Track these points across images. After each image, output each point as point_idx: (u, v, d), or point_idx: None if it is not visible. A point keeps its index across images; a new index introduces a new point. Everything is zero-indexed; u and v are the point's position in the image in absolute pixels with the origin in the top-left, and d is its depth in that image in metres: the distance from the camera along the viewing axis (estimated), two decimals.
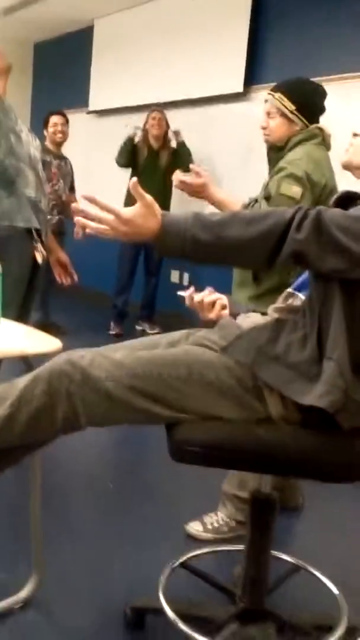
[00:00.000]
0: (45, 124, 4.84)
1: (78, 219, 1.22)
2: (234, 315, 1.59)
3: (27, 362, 1.56)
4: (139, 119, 5.29)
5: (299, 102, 2.13)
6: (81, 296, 6.43)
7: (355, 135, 1.60)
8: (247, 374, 1.28)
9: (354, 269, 1.18)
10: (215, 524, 2.11)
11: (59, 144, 4.85)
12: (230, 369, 1.29)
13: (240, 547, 1.54)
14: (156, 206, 1.21)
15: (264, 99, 2.23)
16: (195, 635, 1.48)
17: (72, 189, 5.05)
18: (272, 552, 1.54)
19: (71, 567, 1.90)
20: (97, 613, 1.70)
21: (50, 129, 4.80)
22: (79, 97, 6.61)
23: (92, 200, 1.21)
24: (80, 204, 1.26)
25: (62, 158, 4.90)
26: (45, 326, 4.95)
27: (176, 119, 5.00)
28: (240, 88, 4.90)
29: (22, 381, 1.29)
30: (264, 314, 1.60)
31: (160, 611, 1.57)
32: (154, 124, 4.89)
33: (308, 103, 2.16)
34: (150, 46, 5.75)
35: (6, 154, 2.35)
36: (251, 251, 1.21)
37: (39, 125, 5.00)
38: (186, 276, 5.62)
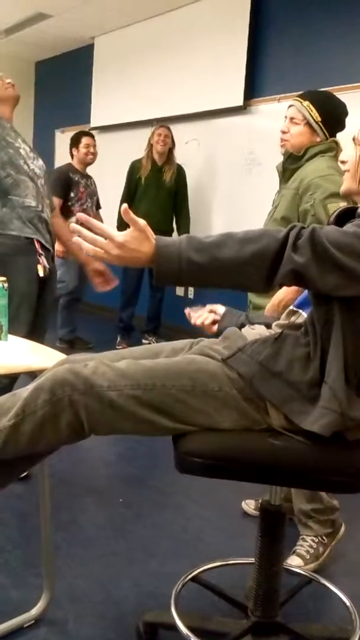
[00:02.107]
0: (75, 144, 4.88)
1: (75, 238, 1.21)
2: (227, 326, 1.59)
3: (33, 378, 1.57)
4: (140, 135, 5.33)
5: (325, 115, 2.16)
6: (87, 310, 6.45)
7: (342, 162, 1.53)
8: (248, 385, 1.29)
9: (350, 286, 1.18)
10: (311, 550, 2.04)
11: (87, 164, 4.91)
12: (233, 380, 1.29)
13: (252, 560, 1.53)
14: (149, 230, 1.21)
15: (286, 105, 2.24)
16: None
17: (98, 206, 5.13)
18: (284, 565, 1.53)
19: (82, 581, 1.90)
20: (109, 628, 1.69)
21: (83, 149, 4.84)
22: (80, 114, 6.68)
23: (86, 222, 1.21)
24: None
25: (88, 177, 4.95)
26: (71, 341, 4.98)
27: (177, 133, 5.03)
28: (240, 102, 4.94)
29: (25, 391, 1.30)
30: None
31: (172, 626, 1.56)
32: (159, 140, 4.91)
33: (332, 117, 2.18)
34: (150, 62, 5.81)
35: (3, 165, 2.39)
36: (247, 271, 1.19)
37: (41, 144, 5.07)
38: (191, 289, 5.63)
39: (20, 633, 1.65)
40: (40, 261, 2.46)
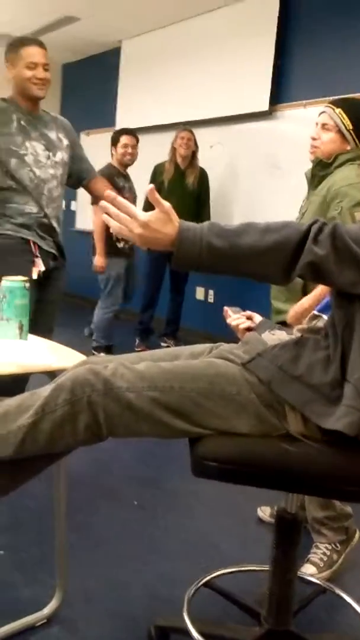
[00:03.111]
0: (114, 143, 4.61)
1: (103, 215, 1.23)
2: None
3: (52, 378, 1.58)
4: (164, 139, 5.34)
5: (357, 122, 2.14)
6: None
7: None
8: (267, 390, 1.28)
9: None
10: (325, 558, 2.03)
11: (126, 165, 4.65)
12: (252, 384, 1.29)
13: (266, 567, 1.52)
14: (174, 213, 1.22)
15: (319, 111, 2.23)
16: None
17: None
18: (298, 573, 1.52)
19: (95, 583, 1.90)
20: (120, 631, 1.69)
21: (120, 149, 4.56)
22: (106, 117, 6.72)
23: (113, 200, 1.23)
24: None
25: (128, 179, 4.72)
26: (108, 348, 4.78)
27: (201, 137, 5.03)
28: (266, 107, 4.93)
29: (45, 390, 1.30)
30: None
31: (184, 631, 1.55)
32: (182, 143, 4.91)
33: None
34: (176, 66, 5.83)
35: (3, 177, 2.46)
36: (266, 260, 1.19)
37: None
38: (211, 293, 5.62)
39: (32, 632, 1.65)
40: (35, 263, 2.49)
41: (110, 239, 4.48)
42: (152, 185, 1.21)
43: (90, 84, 7.23)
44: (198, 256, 1.19)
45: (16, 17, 5.93)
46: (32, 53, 2.47)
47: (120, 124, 6.61)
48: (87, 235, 6.02)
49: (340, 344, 1.25)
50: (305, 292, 2.05)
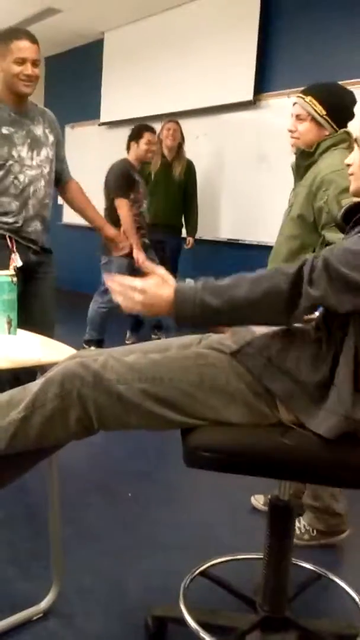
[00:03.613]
0: (136, 138, 4.46)
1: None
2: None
3: (42, 372, 1.57)
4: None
5: (330, 107, 2.12)
6: None
7: (347, 165, 1.50)
8: (256, 379, 1.28)
9: None
10: (297, 531, 2.10)
11: (144, 162, 4.58)
12: (241, 374, 1.29)
13: (260, 555, 1.52)
14: (169, 277, 1.29)
15: (292, 102, 2.22)
16: None
17: None
18: (293, 560, 1.53)
19: (91, 576, 1.90)
20: (117, 622, 1.70)
21: (144, 146, 4.43)
22: (90, 109, 6.68)
23: (112, 279, 1.32)
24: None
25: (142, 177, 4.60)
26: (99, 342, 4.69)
27: (186, 128, 5.02)
28: (250, 96, 4.92)
29: (35, 385, 1.30)
30: None
31: (181, 620, 1.56)
32: (168, 135, 4.90)
33: (338, 108, 2.14)
34: (160, 57, 5.80)
35: None
36: (262, 309, 1.22)
37: None
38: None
39: (29, 625, 1.65)
40: (12, 259, 2.47)
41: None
42: (142, 256, 1.25)
43: (74, 77, 7.19)
44: (194, 315, 1.24)
45: None
46: (22, 48, 2.38)
47: (104, 117, 6.58)
48: (74, 229, 6.00)
49: (333, 346, 1.25)
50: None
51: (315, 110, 2.12)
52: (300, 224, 2.13)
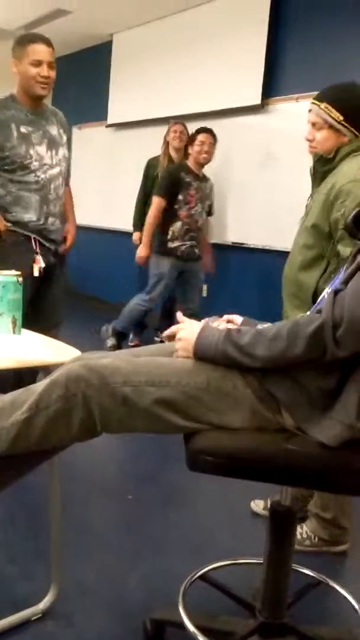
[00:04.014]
0: (191, 141, 4.48)
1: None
2: None
3: (46, 373, 1.57)
4: (156, 133, 5.33)
5: (347, 112, 1.99)
6: (100, 308, 6.47)
7: None
8: (260, 383, 1.28)
9: None
10: (299, 536, 2.10)
11: (201, 165, 4.52)
12: (246, 379, 1.29)
13: (260, 560, 1.52)
14: (194, 323, 1.38)
15: (302, 107, 2.12)
16: None
17: (209, 213, 4.82)
18: (292, 566, 1.53)
19: (90, 577, 1.90)
20: (116, 624, 1.70)
21: (196, 147, 4.41)
22: (98, 110, 6.69)
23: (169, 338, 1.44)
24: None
25: (203, 179, 4.60)
26: (121, 336, 4.78)
27: (194, 131, 5.02)
28: (258, 100, 4.92)
29: (39, 386, 1.30)
30: None
31: (179, 624, 1.56)
32: (175, 136, 4.90)
33: (357, 111, 2.01)
34: (168, 59, 5.81)
35: (4, 184, 2.50)
36: (280, 365, 1.26)
37: None
38: (205, 287, 5.62)
39: (27, 626, 1.65)
40: (36, 260, 2.51)
41: (162, 236, 4.50)
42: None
43: (82, 78, 7.20)
44: (214, 360, 1.29)
45: (7, 10, 5.89)
46: (38, 50, 2.47)
47: (112, 118, 6.59)
48: (80, 229, 6.03)
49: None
50: (315, 300, 1.95)
51: (332, 117, 2.00)
52: (314, 234, 2.03)
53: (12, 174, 2.49)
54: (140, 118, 6.12)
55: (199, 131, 4.47)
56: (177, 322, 1.44)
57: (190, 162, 4.51)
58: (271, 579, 1.49)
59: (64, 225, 2.83)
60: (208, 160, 4.50)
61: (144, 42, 6.11)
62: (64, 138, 2.69)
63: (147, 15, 5.85)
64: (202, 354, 1.30)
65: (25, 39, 2.50)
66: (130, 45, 6.32)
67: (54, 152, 2.60)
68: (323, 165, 2.05)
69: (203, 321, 1.62)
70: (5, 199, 2.52)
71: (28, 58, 2.47)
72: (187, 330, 1.36)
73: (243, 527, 2.29)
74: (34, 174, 2.52)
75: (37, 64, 2.46)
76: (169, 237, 4.49)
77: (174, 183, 4.40)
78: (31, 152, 2.52)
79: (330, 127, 2.01)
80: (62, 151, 2.65)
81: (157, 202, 4.46)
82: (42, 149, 2.56)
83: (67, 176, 2.85)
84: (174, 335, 1.40)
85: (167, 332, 1.47)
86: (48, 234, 2.62)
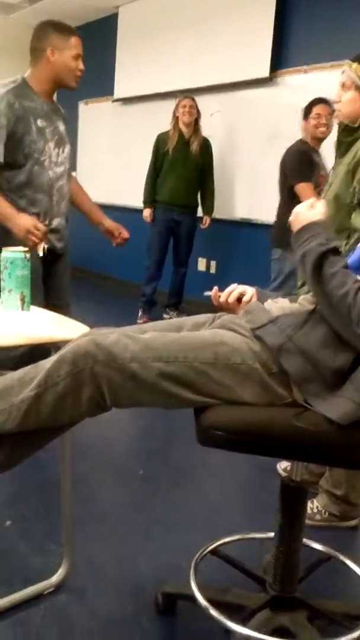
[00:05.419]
0: (306, 114, 3.84)
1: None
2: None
3: (56, 349, 1.57)
4: (164, 107, 5.26)
5: None
6: (110, 286, 6.47)
7: None
8: (272, 358, 1.28)
9: None
10: (309, 511, 2.10)
11: (320, 140, 3.85)
12: (256, 353, 1.28)
13: (271, 534, 1.52)
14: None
15: (311, 78, 2.08)
16: (227, 622, 1.48)
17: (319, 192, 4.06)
18: (303, 540, 1.53)
19: (102, 552, 1.92)
20: (127, 598, 1.71)
21: (312, 121, 3.78)
22: (104, 85, 6.60)
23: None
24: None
25: (319, 154, 3.89)
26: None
27: (201, 105, 4.95)
28: (266, 73, 4.84)
29: (47, 362, 1.29)
30: None
31: (191, 597, 1.57)
32: (185, 111, 4.83)
33: None
34: (174, 32, 5.71)
35: (19, 188, 2.42)
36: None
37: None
38: (213, 264, 5.60)
39: (41, 599, 1.67)
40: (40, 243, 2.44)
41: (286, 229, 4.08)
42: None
43: (88, 52, 7.02)
44: (302, 244, 1.33)
45: None
46: (79, 44, 2.47)
47: (118, 93, 6.51)
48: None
49: None
50: None
51: None
52: (335, 205, 2.01)
53: (31, 172, 2.41)
54: (147, 92, 6.04)
55: (314, 103, 3.83)
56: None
57: (307, 139, 3.85)
58: (282, 553, 1.49)
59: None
60: (326, 135, 3.80)
61: (150, 15, 6.01)
62: (67, 135, 2.62)
63: None
64: (298, 237, 1.35)
65: (66, 30, 2.45)
66: (137, 18, 6.21)
67: (61, 149, 2.53)
68: (348, 136, 2.01)
69: (209, 292, 1.62)
70: (20, 202, 2.42)
71: (71, 51, 2.44)
72: (308, 213, 1.38)
73: (253, 502, 2.30)
74: (46, 172, 2.46)
75: (78, 57, 2.47)
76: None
77: (311, 166, 3.73)
78: (45, 148, 2.45)
79: (357, 88, 1.97)
80: (68, 148, 2.57)
81: (309, 188, 3.67)
82: (51, 145, 2.48)
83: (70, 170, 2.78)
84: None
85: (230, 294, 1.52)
86: (53, 229, 2.55)
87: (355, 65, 1.97)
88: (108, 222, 2.78)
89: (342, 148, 2.05)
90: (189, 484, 2.43)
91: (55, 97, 2.61)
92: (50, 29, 2.43)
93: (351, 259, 1.40)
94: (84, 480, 2.31)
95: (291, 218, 1.38)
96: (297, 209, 1.38)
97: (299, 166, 3.71)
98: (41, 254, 2.43)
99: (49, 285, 2.56)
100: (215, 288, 1.60)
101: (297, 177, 3.71)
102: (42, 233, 2.35)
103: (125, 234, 2.76)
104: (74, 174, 2.82)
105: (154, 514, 2.18)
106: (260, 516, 2.15)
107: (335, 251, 1.29)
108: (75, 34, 2.48)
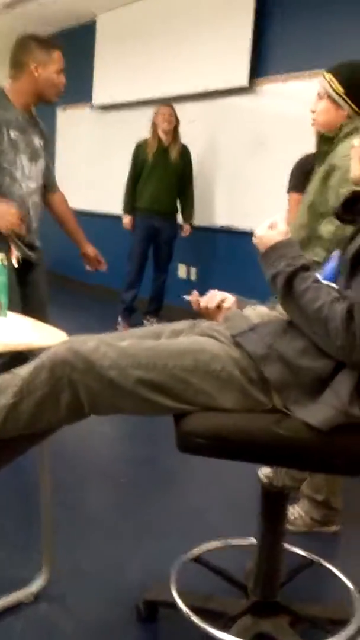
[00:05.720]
0: None
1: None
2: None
3: (33, 356, 1.55)
4: (142, 115, 5.26)
5: (349, 85, 1.95)
6: (89, 293, 6.44)
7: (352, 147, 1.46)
8: (252, 365, 1.28)
9: None
10: (291, 517, 2.11)
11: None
12: (236, 359, 1.28)
13: (252, 540, 1.52)
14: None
15: (289, 87, 2.11)
16: (208, 628, 1.47)
17: None
18: (285, 546, 1.53)
19: (83, 560, 1.90)
20: (109, 606, 1.70)
21: None
22: (82, 92, 6.59)
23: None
24: None
25: None
26: None
27: (180, 113, 4.96)
28: (245, 81, 4.87)
29: (25, 370, 1.29)
30: None
31: (172, 604, 1.56)
32: (164, 119, 4.84)
33: (358, 88, 1.97)
34: (153, 40, 5.72)
35: None
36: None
37: (42, 122, 4.95)
38: (193, 271, 5.60)
39: (19, 609, 1.65)
40: (12, 251, 2.40)
41: None
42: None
43: (66, 58, 7.05)
44: (274, 267, 1.33)
45: None
46: (60, 57, 2.45)
47: (96, 99, 6.50)
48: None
49: None
50: None
51: (333, 88, 1.97)
52: (309, 214, 2.04)
53: (2, 184, 2.38)
54: (125, 100, 6.04)
55: None
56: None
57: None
58: (264, 558, 1.49)
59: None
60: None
61: (129, 22, 6.02)
62: (42, 149, 2.56)
63: None
64: (266, 259, 1.35)
65: (49, 45, 2.43)
66: (115, 25, 6.22)
67: (33, 164, 2.48)
68: (325, 145, 2.04)
69: (188, 296, 1.61)
70: None
71: (54, 65, 2.42)
72: (270, 233, 1.37)
73: (236, 508, 2.29)
74: (17, 185, 2.42)
75: (61, 71, 2.45)
76: None
77: (309, 178, 3.82)
78: (17, 160, 2.41)
79: (330, 98, 2.00)
80: (42, 163, 2.52)
81: (293, 201, 3.58)
82: (24, 158, 2.43)
83: (53, 184, 2.72)
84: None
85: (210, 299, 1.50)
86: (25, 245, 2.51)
87: (328, 75, 2.00)
88: (88, 248, 2.79)
89: (321, 157, 2.07)
90: (173, 489, 2.43)
91: (33, 110, 2.57)
92: (34, 44, 2.41)
93: (326, 271, 1.42)
94: (66, 486, 2.29)
95: (254, 240, 1.38)
96: (258, 232, 1.38)
97: (294, 175, 3.63)
98: (16, 265, 2.39)
99: (25, 292, 2.51)
100: (195, 292, 1.60)
101: (290, 185, 3.65)
102: (16, 216, 2.31)
103: (103, 266, 2.83)
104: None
105: (137, 519, 2.17)
106: (245, 522, 2.14)
107: (305, 268, 1.30)
108: (57, 47, 2.46)
